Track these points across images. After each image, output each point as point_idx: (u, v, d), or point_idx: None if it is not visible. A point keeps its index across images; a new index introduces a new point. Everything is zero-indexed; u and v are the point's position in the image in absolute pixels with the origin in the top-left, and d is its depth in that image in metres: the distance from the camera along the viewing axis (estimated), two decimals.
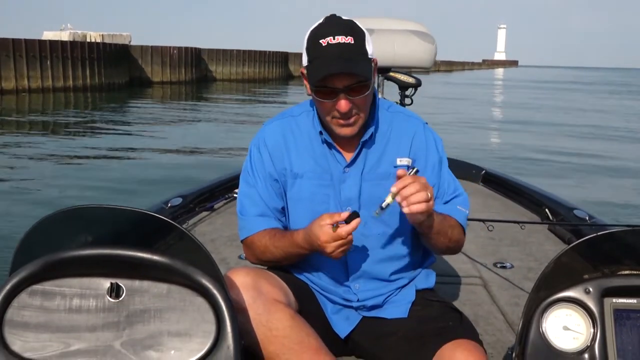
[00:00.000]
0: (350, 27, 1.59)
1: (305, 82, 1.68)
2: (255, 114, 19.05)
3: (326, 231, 1.54)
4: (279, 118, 1.83)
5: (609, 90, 43.58)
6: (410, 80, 3.44)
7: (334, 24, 1.60)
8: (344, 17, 1.63)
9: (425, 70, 3.50)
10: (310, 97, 1.71)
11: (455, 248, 1.81)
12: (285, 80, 41.55)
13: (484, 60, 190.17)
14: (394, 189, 1.53)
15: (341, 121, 1.63)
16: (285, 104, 24.86)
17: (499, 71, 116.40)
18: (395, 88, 3.58)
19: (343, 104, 1.59)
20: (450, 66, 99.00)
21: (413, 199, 1.51)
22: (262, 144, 1.78)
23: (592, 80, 71.68)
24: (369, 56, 1.61)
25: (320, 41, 1.57)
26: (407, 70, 3.48)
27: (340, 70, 1.55)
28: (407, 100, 3.46)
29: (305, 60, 1.64)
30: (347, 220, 1.54)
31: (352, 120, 1.64)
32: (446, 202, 1.78)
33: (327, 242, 1.55)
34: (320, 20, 1.63)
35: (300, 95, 29.41)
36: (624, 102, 29.37)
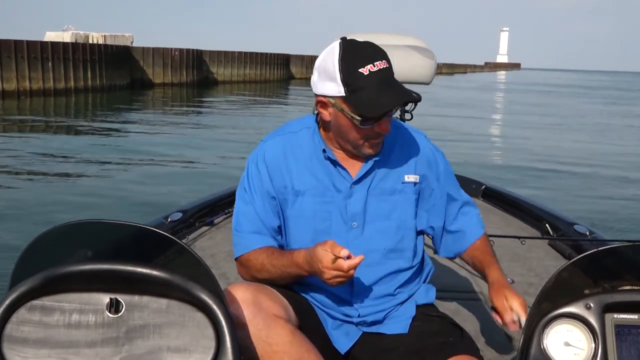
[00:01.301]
0: (379, 50, 1.58)
1: (321, 110, 1.64)
2: (257, 116, 19.01)
3: (330, 257, 1.53)
4: (279, 134, 1.79)
5: (616, 96, 43.30)
6: None
7: (363, 48, 1.57)
8: (359, 39, 1.61)
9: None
10: (310, 114, 1.72)
11: None
12: (286, 82, 41.56)
13: (486, 63, 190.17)
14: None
15: (375, 141, 1.64)
16: (287, 103, 24.80)
17: (502, 74, 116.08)
18: None
19: (388, 125, 1.61)
20: (452, 69, 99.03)
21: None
22: (260, 160, 1.75)
23: (596, 85, 71.38)
24: None
25: (360, 70, 1.53)
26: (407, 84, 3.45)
27: (407, 99, 1.60)
28: (407, 116, 3.45)
29: (340, 91, 1.56)
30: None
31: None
32: (457, 217, 1.81)
33: (327, 267, 1.53)
34: (337, 46, 1.58)
35: (300, 96, 29.31)
36: (629, 109, 29.31)
